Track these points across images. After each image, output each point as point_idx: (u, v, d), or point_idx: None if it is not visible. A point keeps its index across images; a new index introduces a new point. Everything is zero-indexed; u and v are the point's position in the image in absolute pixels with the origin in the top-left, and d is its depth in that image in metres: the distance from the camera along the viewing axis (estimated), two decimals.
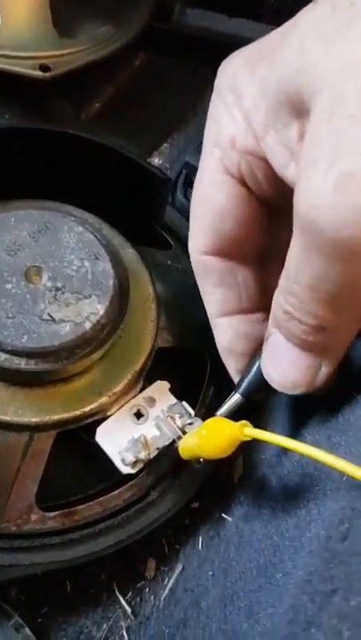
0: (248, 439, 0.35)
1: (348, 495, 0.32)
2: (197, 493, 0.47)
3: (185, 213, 0.58)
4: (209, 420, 0.38)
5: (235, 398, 0.42)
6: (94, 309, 0.41)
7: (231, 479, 0.48)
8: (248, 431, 0.35)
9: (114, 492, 0.43)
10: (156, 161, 0.63)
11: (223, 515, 0.46)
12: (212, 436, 0.37)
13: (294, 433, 0.46)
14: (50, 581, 0.43)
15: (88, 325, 0.40)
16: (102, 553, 0.42)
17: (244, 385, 0.41)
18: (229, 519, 0.45)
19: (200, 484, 0.45)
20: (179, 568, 0.45)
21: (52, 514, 0.41)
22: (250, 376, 0.41)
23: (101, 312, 0.41)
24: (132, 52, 0.66)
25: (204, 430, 0.37)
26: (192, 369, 0.49)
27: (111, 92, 0.66)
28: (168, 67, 0.68)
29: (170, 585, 0.44)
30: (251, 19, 0.68)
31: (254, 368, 0.41)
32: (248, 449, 0.48)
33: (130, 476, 0.43)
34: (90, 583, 0.44)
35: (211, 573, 0.43)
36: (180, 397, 0.45)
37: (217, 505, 0.47)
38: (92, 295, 0.41)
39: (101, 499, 0.43)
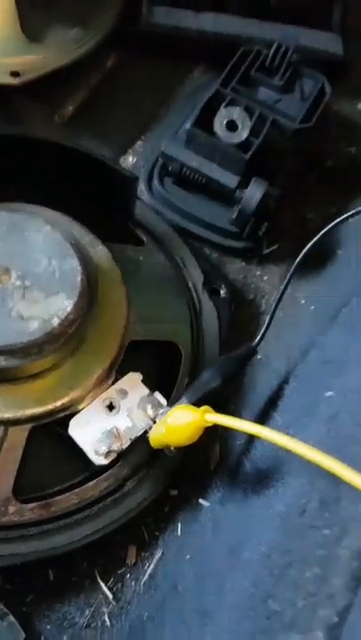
0: (210, 425, 0.37)
1: (309, 471, 0.34)
2: (176, 482, 0.48)
3: (162, 200, 0.60)
4: (173, 409, 0.40)
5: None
6: (62, 305, 0.42)
7: (208, 466, 0.49)
8: (210, 417, 0.36)
9: (90, 483, 0.44)
10: (130, 159, 0.65)
11: (201, 500, 0.47)
12: (177, 424, 0.38)
13: (266, 415, 0.47)
14: (34, 570, 0.45)
15: (56, 322, 0.41)
16: (80, 542, 0.43)
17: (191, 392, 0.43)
18: (207, 504, 0.47)
19: (174, 473, 0.46)
20: (158, 554, 0.46)
21: (30, 505, 0.43)
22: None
23: (69, 308, 0.42)
24: (103, 53, 0.67)
25: (170, 419, 0.39)
26: (167, 360, 0.50)
27: (85, 94, 0.67)
28: (140, 65, 0.69)
29: (150, 570, 0.45)
30: (216, 11, 0.68)
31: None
32: (224, 436, 0.50)
33: (106, 468, 0.44)
34: (72, 571, 0.46)
35: (188, 557, 0.44)
36: (157, 388, 0.46)
37: (195, 492, 0.48)
38: (59, 292, 0.42)
39: (78, 490, 0.44)
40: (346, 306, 0.47)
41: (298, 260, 0.49)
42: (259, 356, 0.55)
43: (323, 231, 0.48)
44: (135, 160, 0.64)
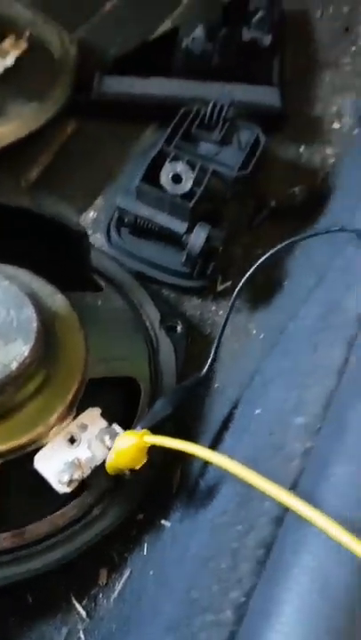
0: (149, 445, 0.41)
1: (232, 479, 0.38)
2: (142, 506, 0.52)
3: (121, 250, 0.65)
4: (120, 436, 0.44)
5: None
6: (20, 351, 0.47)
7: (171, 490, 0.53)
8: (147, 439, 0.41)
9: (59, 512, 0.49)
10: (91, 214, 0.71)
11: (163, 521, 0.51)
12: (123, 449, 0.42)
13: (219, 438, 0.52)
14: (13, 595, 0.49)
15: (15, 365, 0.46)
16: (52, 566, 0.47)
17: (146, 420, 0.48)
18: (168, 524, 0.51)
19: (137, 499, 0.50)
20: (127, 573, 0.50)
21: (4, 535, 0.47)
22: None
23: (26, 353, 0.47)
24: (62, 121, 0.74)
25: (117, 444, 0.43)
26: (128, 394, 0.55)
27: (48, 159, 0.73)
28: (97, 130, 0.76)
29: (119, 589, 0.49)
30: (162, 76, 0.75)
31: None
32: (186, 462, 0.54)
33: (73, 496, 0.49)
34: (50, 594, 0.50)
35: (151, 573, 0.48)
36: (119, 420, 0.51)
37: (159, 514, 0.52)
38: (17, 339, 0.47)
39: (48, 518, 0.48)
40: (284, 331, 0.52)
41: (236, 291, 0.55)
42: (216, 385, 0.60)
43: (253, 268, 0.54)
44: (96, 215, 0.71)
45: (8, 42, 0.68)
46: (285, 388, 0.40)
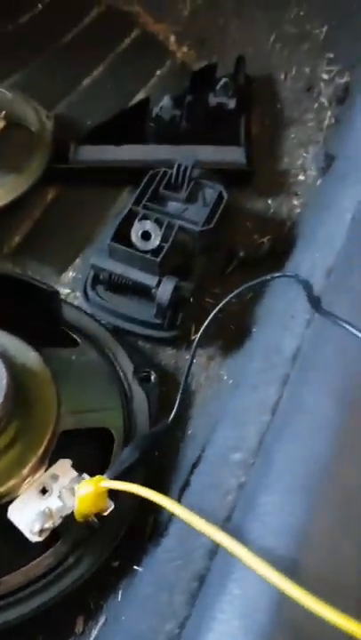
0: (105, 490, 0.43)
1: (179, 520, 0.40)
2: (118, 553, 0.53)
3: (97, 306, 0.69)
4: (80, 484, 0.46)
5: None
6: None
7: (144, 536, 0.55)
8: (103, 484, 0.43)
9: (34, 562, 0.50)
10: (70, 274, 0.74)
11: (135, 567, 0.52)
12: (83, 495, 0.44)
13: (188, 481, 0.54)
14: None
15: None
16: (29, 615, 0.49)
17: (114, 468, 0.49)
18: (140, 569, 0.52)
19: (111, 546, 0.52)
20: (102, 620, 0.51)
21: None
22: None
23: None
24: (42, 189, 0.79)
25: (79, 492, 0.45)
26: (103, 443, 0.57)
27: (29, 225, 0.78)
28: (75, 196, 0.80)
29: (94, 635, 0.50)
30: (136, 142, 0.80)
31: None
32: (158, 510, 0.55)
33: (48, 546, 0.50)
34: None
35: (123, 618, 0.49)
36: (93, 469, 0.53)
37: (133, 560, 0.53)
38: None
39: (24, 568, 0.50)
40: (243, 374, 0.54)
41: (196, 341, 0.57)
42: (190, 431, 0.61)
43: (214, 311, 0.56)
44: (75, 274, 0.74)
45: None
46: (229, 428, 0.42)
